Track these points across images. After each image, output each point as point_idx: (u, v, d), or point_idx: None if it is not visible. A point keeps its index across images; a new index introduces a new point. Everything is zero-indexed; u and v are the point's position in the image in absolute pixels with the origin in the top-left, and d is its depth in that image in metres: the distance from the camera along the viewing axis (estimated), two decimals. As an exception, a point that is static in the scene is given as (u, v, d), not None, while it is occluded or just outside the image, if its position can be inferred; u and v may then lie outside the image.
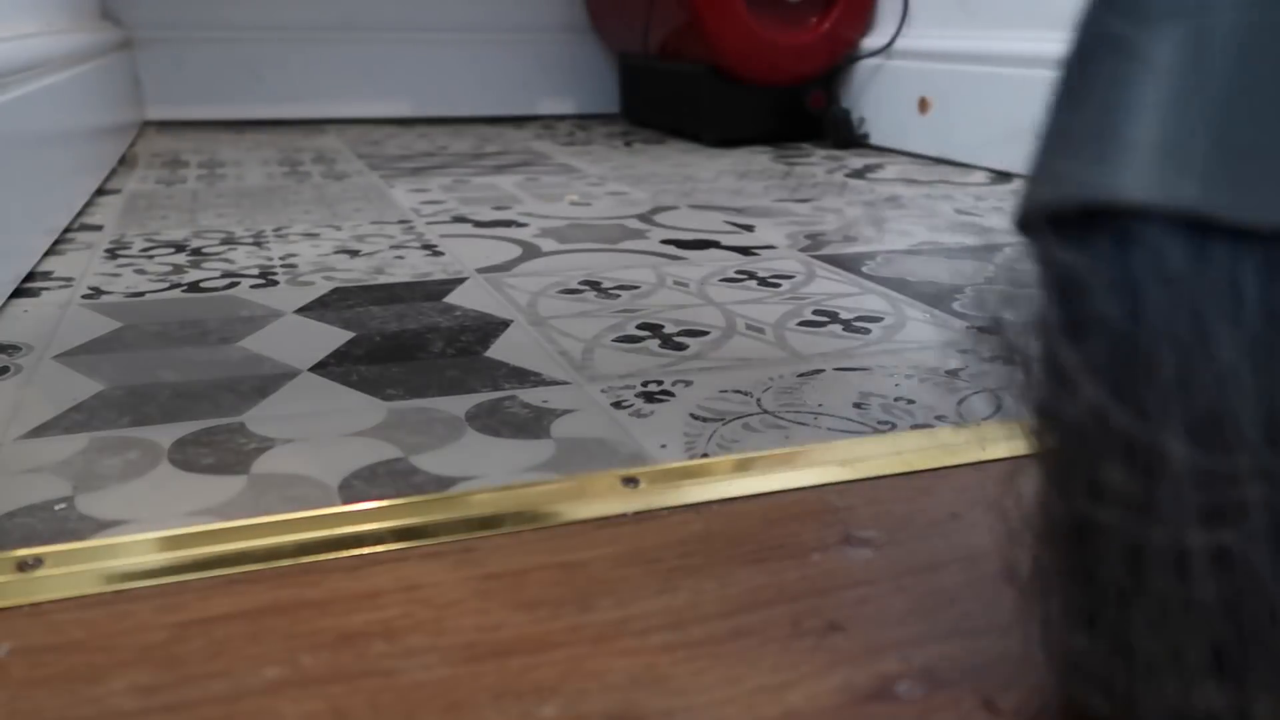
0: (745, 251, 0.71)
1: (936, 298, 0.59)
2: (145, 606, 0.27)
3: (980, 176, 1.06)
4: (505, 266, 0.67)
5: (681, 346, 0.50)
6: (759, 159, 1.18)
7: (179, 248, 0.72)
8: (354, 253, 0.70)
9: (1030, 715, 0.23)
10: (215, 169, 1.10)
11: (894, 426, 0.40)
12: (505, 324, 0.54)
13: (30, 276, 0.63)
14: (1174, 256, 0.18)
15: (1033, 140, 0.20)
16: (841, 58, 1.31)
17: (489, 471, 0.36)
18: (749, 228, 0.79)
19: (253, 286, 0.61)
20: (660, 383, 0.45)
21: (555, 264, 0.67)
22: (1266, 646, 0.19)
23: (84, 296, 0.59)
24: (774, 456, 0.37)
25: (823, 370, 0.47)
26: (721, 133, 1.30)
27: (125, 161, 1.14)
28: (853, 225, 0.80)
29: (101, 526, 0.32)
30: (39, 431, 0.39)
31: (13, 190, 0.61)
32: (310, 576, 0.29)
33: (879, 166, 1.13)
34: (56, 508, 0.33)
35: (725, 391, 0.44)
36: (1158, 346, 0.18)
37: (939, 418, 0.41)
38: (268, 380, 0.45)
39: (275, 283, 0.62)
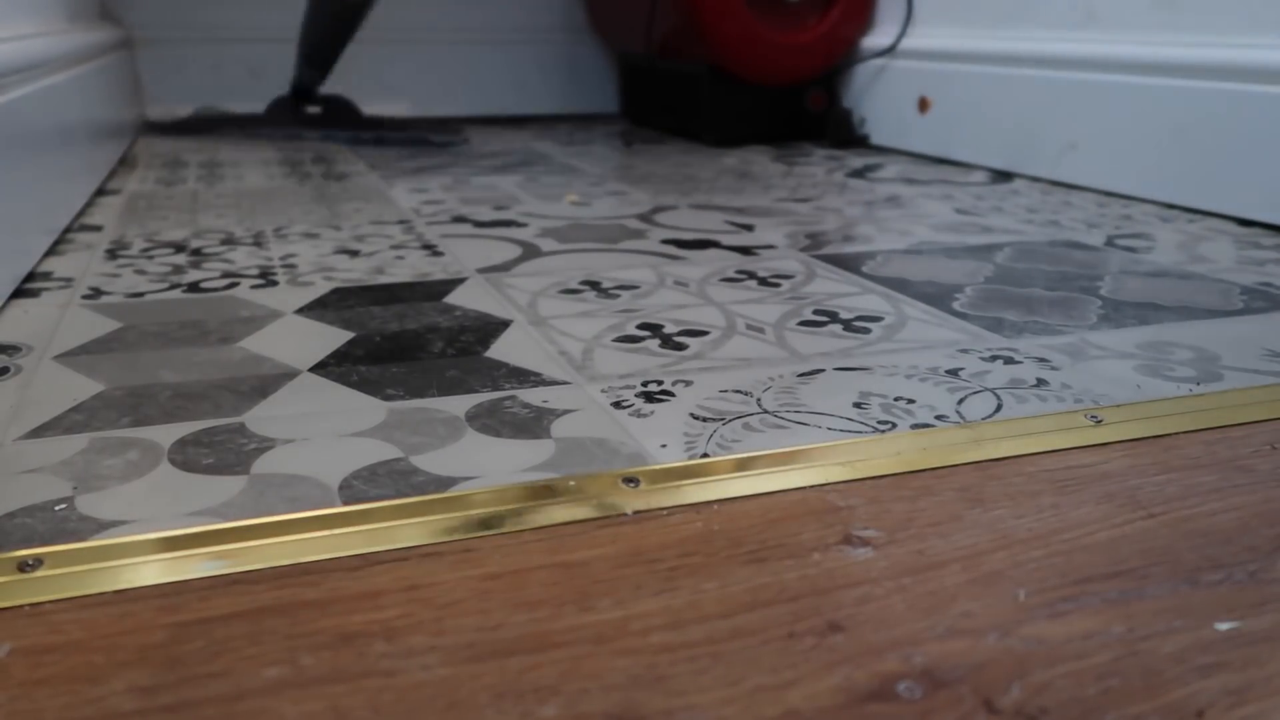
0: (745, 251, 0.71)
1: (936, 297, 0.59)
2: (145, 606, 0.27)
3: (980, 176, 1.06)
4: (505, 266, 0.67)
5: (681, 346, 0.50)
6: (759, 159, 1.18)
7: (179, 248, 0.72)
8: (354, 253, 0.70)
9: (1030, 715, 0.23)
10: (215, 169, 1.10)
11: (894, 426, 0.40)
12: (505, 324, 0.54)
13: (30, 277, 0.63)
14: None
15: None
16: (841, 57, 1.31)
17: (489, 471, 0.36)
18: (749, 227, 0.79)
19: (253, 287, 0.61)
20: (660, 383, 0.45)
21: (555, 264, 0.67)
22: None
23: (84, 297, 0.59)
24: (774, 456, 0.37)
25: (823, 370, 0.47)
26: (721, 132, 1.30)
27: (125, 162, 1.14)
28: (853, 225, 0.80)
29: (101, 526, 0.32)
30: (39, 431, 0.39)
31: (13, 190, 0.61)
32: (310, 576, 0.29)
33: (879, 166, 1.13)
34: (56, 508, 0.33)
35: (725, 391, 0.44)
36: None
37: (939, 417, 0.41)
38: (268, 380, 0.45)
39: (275, 283, 0.62)
